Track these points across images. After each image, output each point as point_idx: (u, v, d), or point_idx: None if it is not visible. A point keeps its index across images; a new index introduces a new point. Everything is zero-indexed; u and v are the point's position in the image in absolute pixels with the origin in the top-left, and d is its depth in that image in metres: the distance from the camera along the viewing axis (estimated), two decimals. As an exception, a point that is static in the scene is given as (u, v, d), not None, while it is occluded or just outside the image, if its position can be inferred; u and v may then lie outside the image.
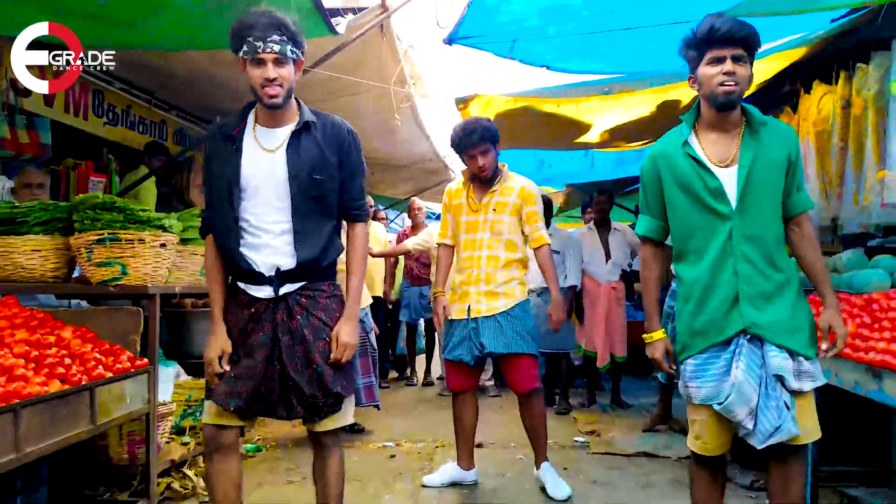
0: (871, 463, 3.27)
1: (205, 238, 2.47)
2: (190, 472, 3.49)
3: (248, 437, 4.39)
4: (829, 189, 5.19)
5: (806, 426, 2.21)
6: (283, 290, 2.31)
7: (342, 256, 2.48)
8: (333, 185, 2.37)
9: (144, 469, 3.20)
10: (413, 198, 8.00)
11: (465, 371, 3.65)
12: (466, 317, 3.56)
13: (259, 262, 2.30)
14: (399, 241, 6.99)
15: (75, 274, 3.43)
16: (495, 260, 3.57)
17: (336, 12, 5.49)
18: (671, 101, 5.10)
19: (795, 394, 2.19)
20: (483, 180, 3.65)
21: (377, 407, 4.91)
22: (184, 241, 3.52)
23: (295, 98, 2.37)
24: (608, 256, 5.88)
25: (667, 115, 5.21)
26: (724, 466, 2.48)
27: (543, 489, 3.58)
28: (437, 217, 9.70)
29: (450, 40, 4.95)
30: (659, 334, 2.40)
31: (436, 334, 6.83)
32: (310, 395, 2.29)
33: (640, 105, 5.09)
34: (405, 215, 13.64)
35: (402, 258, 7.04)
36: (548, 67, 5.48)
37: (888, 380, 2.46)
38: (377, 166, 8.86)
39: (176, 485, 3.40)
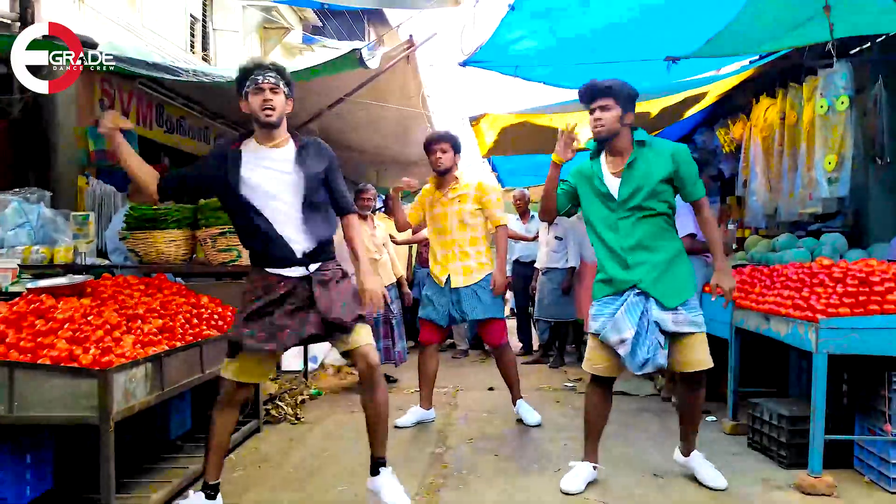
0: (775, 386, 4.50)
1: None
2: (281, 404, 4.70)
3: (313, 384, 5.59)
4: (772, 184, 6.40)
5: (694, 359, 3.14)
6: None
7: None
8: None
9: (254, 398, 4.40)
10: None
11: (436, 329, 4.57)
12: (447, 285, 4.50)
13: None
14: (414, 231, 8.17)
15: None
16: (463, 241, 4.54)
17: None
18: (640, 113, 6.28)
19: (677, 335, 3.12)
20: (441, 173, 4.50)
21: (395, 364, 6.08)
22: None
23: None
24: (594, 240, 7.08)
25: (636, 123, 6.41)
26: (611, 387, 3.37)
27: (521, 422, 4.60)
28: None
29: (464, 64, 6.12)
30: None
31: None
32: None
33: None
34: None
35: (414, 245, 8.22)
36: (544, 83, 6.66)
37: (773, 321, 3.68)
38: (389, 162, 10.04)
39: (273, 411, 4.60)
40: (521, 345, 7.97)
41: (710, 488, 3.28)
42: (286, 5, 14.22)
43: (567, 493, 3.24)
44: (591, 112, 3.26)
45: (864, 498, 3.16)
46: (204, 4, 11.64)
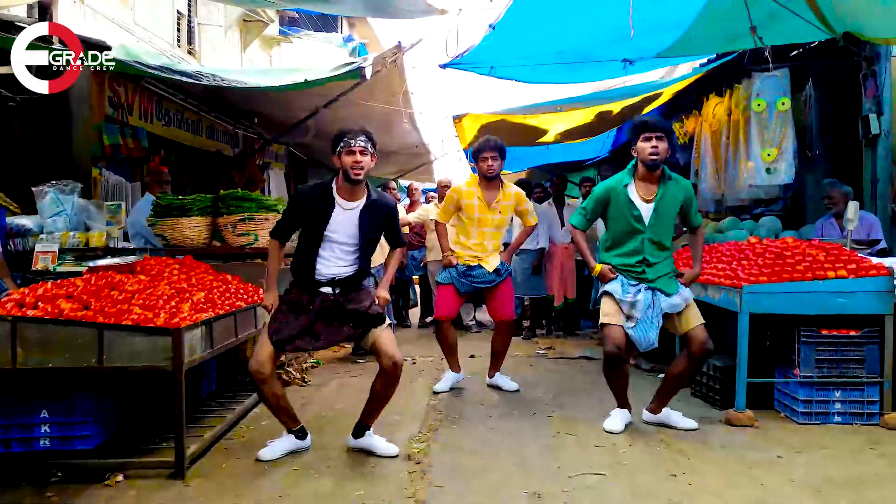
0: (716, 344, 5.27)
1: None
2: (290, 370, 5.36)
3: (314, 355, 6.24)
4: (720, 173, 7.19)
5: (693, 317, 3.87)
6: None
7: None
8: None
9: (269, 363, 5.04)
10: (411, 182, 9.90)
11: (454, 300, 4.99)
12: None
13: None
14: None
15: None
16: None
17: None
18: (604, 112, 7.04)
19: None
20: (490, 179, 4.89)
21: None
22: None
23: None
24: (562, 224, 7.82)
25: (601, 122, 7.16)
26: (622, 363, 3.93)
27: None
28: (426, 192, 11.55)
29: (444, 66, 6.78)
30: (599, 265, 3.99)
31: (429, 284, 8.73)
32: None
33: (581, 115, 7.02)
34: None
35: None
36: (516, 80, 7.37)
37: (710, 289, 4.44)
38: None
39: (284, 376, 5.25)
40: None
41: (686, 429, 3.94)
42: None
43: (611, 433, 3.90)
44: (648, 139, 3.76)
45: (778, 428, 3.96)
46: (189, 0, 12.09)
